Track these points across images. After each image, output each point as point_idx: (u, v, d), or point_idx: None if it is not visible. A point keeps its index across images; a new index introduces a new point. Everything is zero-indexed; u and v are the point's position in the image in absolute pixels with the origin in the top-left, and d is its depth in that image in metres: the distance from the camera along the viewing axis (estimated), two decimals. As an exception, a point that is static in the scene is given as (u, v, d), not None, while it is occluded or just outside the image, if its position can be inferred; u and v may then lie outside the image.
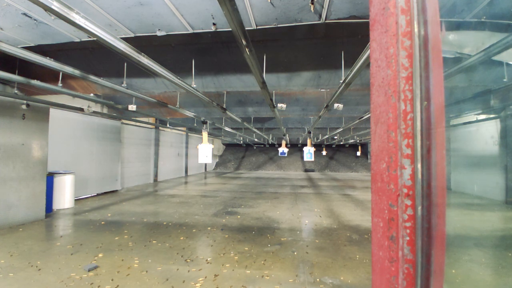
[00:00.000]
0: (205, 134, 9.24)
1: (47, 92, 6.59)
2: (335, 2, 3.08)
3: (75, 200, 8.91)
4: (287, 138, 20.14)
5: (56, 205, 8.08)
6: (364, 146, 29.02)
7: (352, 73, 4.00)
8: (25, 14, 3.46)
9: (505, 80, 4.71)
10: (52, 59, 4.24)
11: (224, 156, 30.77)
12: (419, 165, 0.78)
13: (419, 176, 0.78)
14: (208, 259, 4.52)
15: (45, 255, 4.54)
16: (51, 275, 3.80)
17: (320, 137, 20.11)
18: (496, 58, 4.00)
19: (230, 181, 17.47)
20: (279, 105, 6.53)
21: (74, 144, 9.65)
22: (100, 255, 4.59)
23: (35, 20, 3.63)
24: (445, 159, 0.80)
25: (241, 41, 3.02)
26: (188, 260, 4.44)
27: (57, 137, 8.65)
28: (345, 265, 4.32)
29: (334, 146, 29.53)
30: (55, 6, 2.38)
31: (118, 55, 3.55)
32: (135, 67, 4.94)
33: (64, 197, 8.26)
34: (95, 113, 9.25)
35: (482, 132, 10.12)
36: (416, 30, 0.80)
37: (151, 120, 14.55)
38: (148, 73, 5.58)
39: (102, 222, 6.74)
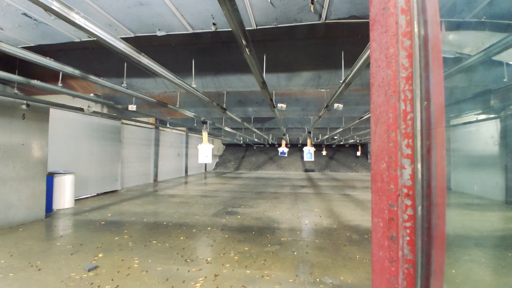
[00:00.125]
0: (205, 134, 9.24)
1: (47, 92, 6.59)
2: (335, 2, 3.08)
3: (75, 200, 8.91)
4: (287, 138, 20.14)
5: (56, 205, 8.08)
6: (364, 146, 29.01)
7: (352, 73, 4.00)
8: (25, 14, 3.46)
9: (505, 80, 4.71)
10: (52, 59, 4.24)
11: (224, 156, 30.77)
12: (419, 165, 0.78)
13: (419, 176, 0.78)
14: (208, 259, 4.52)
15: (45, 255, 4.54)
16: (51, 275, 3.80)
17: (320, 137, 20.11)
18: (496, 58, 4.00)
19: (230, 181, 17.47)
20: (279, 105, 6.53)
21: (74, 144, 9.65)
22: (100, 255, 4.59)
23: (35, 20, 3.63)
24: (445, 159, 0.80)
25: (241, 41, 3.02)
26: (188, 260, 4.44)
27: (57, 137, 8.65)
28: (345, 265, 4.32)
29: (334, 146, 29.53)
30: (55, 6, 2.38)
31: (118, 55, 3.55)
32: (135, 67, 4.94)
33: (64, 197, 8.26)
34: (95, 113, 9.25)
35: (482, 132, 10.12)
36: (416, 30, 0.80)
37: (151, 120, 14.55)
38: (148, 73, 5.58)
39: (102, 222, 6.74)
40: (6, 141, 6.09)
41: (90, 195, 10.42)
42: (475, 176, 10.72)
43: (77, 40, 4.24)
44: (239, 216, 7.60)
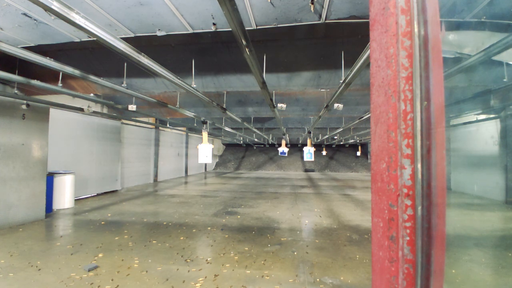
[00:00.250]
0: (205, 134, 9.24)
1: (47, 92, 6.59)
2: (335, 2, 3.08)
3: (75, 200, 8.91)
4: (287, 137, 20.14)
5: (56, 205, 8.08)
6: (364, 146, 29.01)
7: (352, 73, 4.00)
8: (25, 14, 3.46)
9: (505, 80, 4.71)
10: (52, 59, 4.24)
11: (224, 156, 30.77)
12: (419, 165, 0.78)
13: (419, 176, 0.78)
14: (208, 259, 4.52)
15: (45, 255, 4.54)
16: (51, 275, 3.80)
17: (320, 137, 20.11)
18: (496, 58, 4.00)
19: (230, 181, 17.47)
20: (279, 105, 6.53)
21: (74, 144, 9.65)
22: (100, 255, 4.59)
23: (35, 20, 3.63)
24: (445, 159, 0.80)
25: (241, 41, 3.02)
26: (188, 260, 4.44)
27: (57, 137, 8.65)
28: (345, 265, 4.32)
29: (334, 146, 29.53)
30: (55, 6, 2.38)
31: (118, 55, 3.55)
32: (135, 67, 4.93)
33: (64, 197, 8.26)
34: (95, 113, 9.25)
35: (482, 132, 10.11)
36: (416, 30, 0.80)
37: (151, 120, 14.55)
38: (148, 73, 5.58)
39: (102, 222, 6.74)
40: (6, 141, 6.09)
41: (90, 195, 10.42)
42: (475, 176, 10.72)
43: (77, 40, 4.24)
44: (239, 216, 7.60)
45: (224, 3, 2.20)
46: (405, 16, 0.82)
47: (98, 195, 10.79)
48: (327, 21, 3.42)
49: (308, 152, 12.47)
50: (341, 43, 4.90)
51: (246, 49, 3.22)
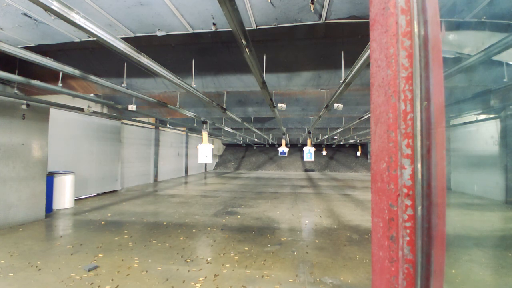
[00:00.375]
0: (205, 134, 9.24)
1: (47, 92, 6.59)
2: (335, 2, 3.08)
3: (75, 200, 8.91)
4: (287, 137, 20.14)
5: (56, 205, 8.08)
6: (364, 146, 29.01)
7: (352, 73, 4.00)
8: (25, 14, 3.46)
9: (505, 80, 4.71)
10: (52, 59, 4.24)
11: (224, 156, 30.77)
12: (419, 165, 0.78)
13: (419, 176, 0.78)
14: (208, 259, 4.52)
15: (45, 255, 4.54)
16: (51, 275, 3.81)
17: (320, 137, 20.10)
18: (496, 58, 4.00)
19: (230, 181, 17.47)
20: (279, 105, 6.53)
21: (74, 144, 9.65)
22: (100, 255, 4.59)
23: (35, 20, 3.63)
24: (445, 159, 0.80)
25: (241, 41, 3.02)
26: (188, 260, 4.44)
27: (57, 137, 8.65)
28: (345, 265, 4.32)
29: (334, 146, 29.53)
30: (55, 6, 2.38)
31: (118, 55, 3.55)
32: (135, 67, 4.93)
33: (64, 197, 8.26)
34: (95, 113, 9.25)
35: (482, 132, 10.11)
36: (416, 30, 0.80)
37: (151, 120, 14.55)
38: (148, 73, 5.58)
39: (102, 222, 6.74)
40: (6, 141, 6.09)
41: (90, 195, 10.42)
42: (475, 176, 10.71)
43: (77, 40, 4.24)
44: (239, 216, 7.60)
45: (224, 3, 2.20)
46: (405, 16, 0.82)
47: (98, 195, 10.79)
48: (327, 21, 3.42)
49: (308, 152, 12.48)
50: (341, 43, 4.90)
51: (246, 49, 3.22)
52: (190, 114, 8.90)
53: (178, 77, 4.68)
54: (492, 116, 9.41)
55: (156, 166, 15.94)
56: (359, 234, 6.02)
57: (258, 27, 3.68)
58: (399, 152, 0.81)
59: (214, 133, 20.30)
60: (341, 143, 24.75)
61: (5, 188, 6.05)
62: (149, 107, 10.16)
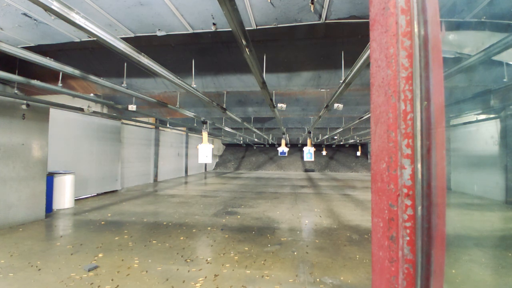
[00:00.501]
0: (205, 134, 9.24)
1: (47, 92, 6.59)
2: (335, 2, 3.08)
3: (75, 200, 8.91)
4: (287, 137, 20.14)
5: (56, 205, 8.08)
6: (364, 146, 29.01)
7: (352, 73, 4.00)
8: (25, 14, 3.46)
9: (505, 80, 4.71)
10: (52, 59, 4.24)
11: (224, 156, 30.77)
12: (419, 165, 0.78)
13: (419, 176, 0.78)
14: (208, 259, 4.52)
15: (45, 255, 4.54)
16: (51, 275, 3.80)
17: (320, 137, 20.10)
18: (496, 58, 4.00)
19: (230, 181, 17.47)
20: (279, 105, 6.53)
21: (74, 144, 9.65)
22: (100, 255, 4.59)
23: (35, 20, 3.63)
24: (445, 159, 0.80)
25: (241, 41, 3.02)
26: (188, 260, 4.44)
27: (57, 137, 8.65)
28: (345, 265, 4.32)
29: (334, 146, 29.54)
30: (55, 6, 2.38)
31: (118, 55, 3.55)
32: (135, 67, 4.93)
33: (64, 197, 8.26)
34: (95, 113, 9.25)
35: (482, 132, 10.11)
36: (416, 30, 0.80)
37: (151, 120, 14.56)
38: (148, 73, 5.58)
39: (102, 222, 6.74)
40: (6, 141, 6.09)
41: (90, 195, 10.42)
42: (475, 176, 10.71)
43: (77, 40, 4.24)
44: (239, 216, 7.60)
45: (224, 3, 2.20)
46: (405, 16, 0.82)
47: (98, 195, 10.79)
48: (327, 21, 3.42)
49: (308, 152, 12.48)
50: (341, 43, 4.89)
51: (246, 49, 3.22)
52: (190, 114, 8.90)
53: (178, 77, 4.68)
54: (492, 116, 9.41)
55: (156, 166, 15.95)
56: (359, 234, 6.02)
57: (258, 27, 3.68)
58: (399, 152, 0.81)
59: (214, 133, 20.30)
60: (341, 143, 24.75)
61: (5, 188, 6.05)
62: (149, 107, 10.16)
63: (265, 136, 18.08)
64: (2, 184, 5.99)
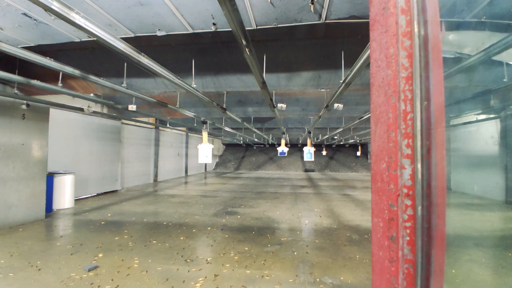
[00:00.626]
0: (205, 134, 9.24)
1: (47, 92, 6.59)
2: (335, 2, 3.08)
3: (75, 200, 8.91)
4: (287, 137, 20.13)
5: (56, 205, 8.08)
6: (364, 146, 29.01)
7: (352, 73, 4.00)
8: (25, 14, 3.46)
9: (505, 80, 4.71)
10: (52, 59, 4.24)
11: (224, 156, 30.77)
12: (419, 165, 0.78)
13: (419, 176, 0.78)
14: (208, 259, 4.52)
15: (45, 255, 4.54)
16: (51, 275, 3.80)
17: (320, 137, 20.10)
18: (496, 58, 4.00)
19: (230, 181, 17.47)
20: (279, 105, 6.53)
21: (74, 144, 9.65)
22: (100, 255, 4.59)
23: (35, 20, 3.63)
24: (445, 159, 0.80)
25: (241, 41, 3.02)
26: (188, 260, 4.44)
27: (57, 137, 8.65)
28: (345, 265, 4.32)
29: (334, 146, 29.54)
30: (55, 6, 2.38)
31: (118, 55, 3.55)
32: (135, 67, 4.93)
33: (64, 197, 8.26)
34: (95, 113, 9.25)
35: (482, 132, 10.11)
36: (416, 30, 0.80)
37: (151, 120, 14.56)
38: (148, 73, 5.58)
39: (102, 222, 6.74)
40: (6, 141, 6.09)
41: (90, 195, 10.42)
42: (475, 176, 10.71)
43: (77, 40, 4.24)
44: (239, 216, 7.60)
45: (224, 3, 2.20)
46: (405, 16, 0.82)
47: (98, 195, 10.79)
48: (327, 21, 3.42)
49: (308, 152, 12.47)
50: (341, 43, 4.89)
51: (246, 49, 3.22)
52: (190, 114, 8.90)
53: (178, 77, 4.68)
54: (492, 116, 9.40)
55: (156, 166, 15.95)
56: (359, 234, 6.02)
57: (258, 27, 3.68)
58: (399, 152, 0.81)
59: (214, 133, 20.30)
60: (341, 143, 24.75)
61: (5, 188, 6.05)
62: (149, 107, 10.16)
63: (265, 136, 18.08)
64: (2, 184, 5.99)
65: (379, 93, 0.91)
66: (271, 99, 6.29)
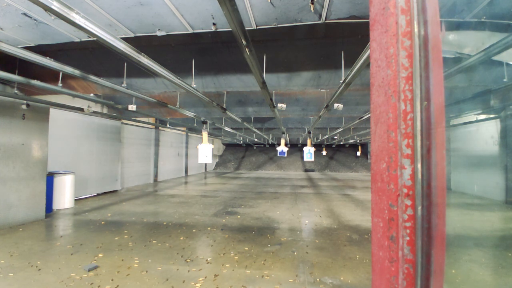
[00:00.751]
0: (205, 134, 9.23)
1: (47, 92, 6.59)
2: (335, 2, 3.08)
3: (75, 200, 8.91)
4: (287, 137, 20.13)
5: (56, 205, 8.08)
6: (364, 146, 29.01)
7: (352, 73, 4.00)
8: (25, 14, 3.46)
9: (505, 80, 4.71)
10: (52, 59, 4.24)
11: (224, 156, 30.77)
12: (419, 165, 0.78)
13: (419, 176, 0.78)
14: (208, 259, 4.52)
15: (45, 255, 4.54)
16: (51, 275, 3.80)
17: (320, 137, 20.10)
18: (496, 58, 4.00)
19: (230, 181, 17.47)
20: (279, 105, 6.53)
21: (74, 144, 9.65)
22: (100, 255, 4.59)
23: (35, 20, 3.63)
24: (445, 159, 0.80)
25: (241, 41, 3.02)
26: (188, 260, 4.44)
27: (57, 137, 8.65)
28: (345, 265, 4.32)
29: (334, 146, 29.54)
30: (55, 6, 2.38)
31: (118, 55, 3.55)
32: (135, 67, 4.94)
33: (64, 197, 8.26)
34: (95, 113, 9.25)
35: (482, 132, 10.11)
36: (416, 30, 0.80)
37: (151, 120, 14.56)
38: (148, 73, 5.58)
39: (102, 222, 6.74)
40: (6, 141, 6.09)
41: (90, 195, 10.42)
42: (475, 176, 10.71)
43: (77, 40, 4.24)
44: (239, 216, 7.60)
45: (224, 3, 2.20)
46: (405, 16, 0.82)
47: (98, 195, 10.79)
48: (327, 21, 3.42)
49: (308, 152, 12.47)
50: (341, 43, 4.89)
51: (246, 49, 3.22)
52: (190, 114, 8.90)
53: (178, 77, 4.68)
54: (492, 116, 9.40)
55: (156, 166, 15.95)
56: (359, 234, 6.02)
57: (258, 27, 3.68)
58: (399, 152, 0.81)
59: (214, 133, 20.30)
60: (341, 143, 24.75)
61: (5, 188, 6.05)
62: (149, 107, 10.16)
63: (265, 136, 18.08)
64: (2, 184, 5.99)
65: (379, 93, 0.91)
66: (271, 99, 6.29)
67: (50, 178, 7.64)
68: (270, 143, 26.62)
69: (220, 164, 29.29)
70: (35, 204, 6.74)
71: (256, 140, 22.03)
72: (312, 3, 3.10)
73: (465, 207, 9.02)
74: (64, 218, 7.21)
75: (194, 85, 5.33)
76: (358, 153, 26.91)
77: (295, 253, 4.84)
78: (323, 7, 3.16)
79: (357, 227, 6.57)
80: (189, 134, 20.62)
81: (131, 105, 7.13)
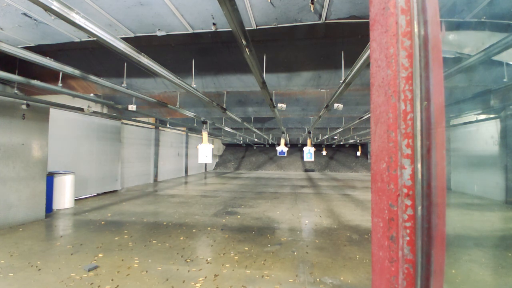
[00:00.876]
0: (205, 134, 9.23)
1: (47, 92, 6.59)
2: (335, 2, 3.08)
3: (75, 200, 8.91)
4: (287, 137, 20.13)
5: (56, 205, 8.08)
6: (364, 146, 29.01)
7: (352, 73, 4.00)
8: (25, 14, 3.46)
9: (505, 80, 4.71)
10: (52, 59, 4.24)
11: (224, 156, 30.77)
12: (419, 165, 0.78)
13: (419, 176, 0.78)
14: (208, 259, 4.52)
15: (45, 255, 4.54)
16: (51, 275, 3.80)
17: (320, 137, 20.10)
18: (496, 58, 4.00)
19: (230, 181, 17.47)
20: (279, 105, 6.53)
21: (74, 144, 9.65)
22: (100, 255, 4.59)
23: (35, 20, 3.63)
24: (445, 159, 0.80)
25: (241, 41, 3.02)
26: (188, 260, 4.44)
27: (57, 137, 8.64)
28: (345, 265, 4.32)
29: (334, 146, 29.53)
30: (55, 6, 2.38)
31: (118, 55, 3.55)
32: (135, 67, 4.93)
33: (64, 197, 8.26)
34: (95, 113, 9.25)
35: (482, 132, 10.11)
36: (416, 30, 0.80)
37: (151, 120, 14.56)
38: (148, 73, 5.58)
39: (102, 222, 6.74)
40: (6, 141, 6.09)
41: (90, 195, 10.42)
42: (475, 176, 10.71)
43: (77, 40, 4.24)
44: (239, 216, 7.60)
45: (224, 3, 2.20)
46: (405, 16, 0.82)
47: (98, 195, 10.79)
48: (327, 21, 3.42)
49: (308, 152, 12.47)
50: (341, 43, 4.89)
51: (246, 49, 3.22)
52: (190, 114, 8.90)
53: (178, 77, 4.68)
54: (492, 116, 9.40)
55: (156, 166, 15.95)
56: (359, 234, 6.02)
57: (258, 27, 3.68)
58: (399, 152, 0.81)
59: (214, 133, 20.30)
60: (341, 143, 24.75)
61: (5, 188, 6.05)
62: (149, 107, 10.16)
63: (265, 136, 18.08)
64: (2, 184, 5.99)
65: (379, 93, 0.91)
66: (271, 99, 6.29)
67: (50, 178, 7.64)
68: (270, 143, 26.62)
69: (220, 164, 29.29)
70: (35, 204, 6.74)
71: (256, 140, 22.03)
72: (312, 3, 3.10)
73: (465, 207, 9.02)
74: (64, 218, 7.21)
75: (194, 85, 5.33)
76: (358, 153, 26.91)
77: (295, 253, 4.84)
78: (323, 7, 3.16)
79: (357, 227, 6.57)
80: (189, 134, 20.62)
81: (131, 105, 7.13)
